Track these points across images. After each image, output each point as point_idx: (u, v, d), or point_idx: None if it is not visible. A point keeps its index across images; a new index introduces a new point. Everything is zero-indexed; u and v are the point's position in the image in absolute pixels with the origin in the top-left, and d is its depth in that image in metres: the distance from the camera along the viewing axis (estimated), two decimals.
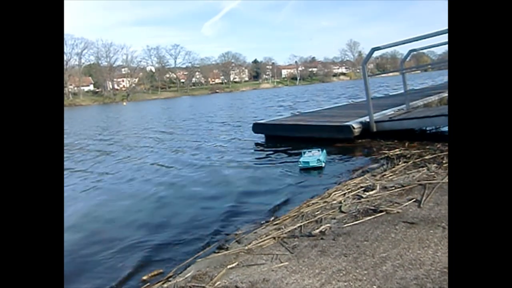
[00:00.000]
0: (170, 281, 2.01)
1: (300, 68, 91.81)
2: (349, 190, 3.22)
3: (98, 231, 3.24)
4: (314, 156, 4.68)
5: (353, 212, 2.62)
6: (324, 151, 5.00)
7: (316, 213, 2.75)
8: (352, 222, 2.43)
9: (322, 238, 2.24)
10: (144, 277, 2.23)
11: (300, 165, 4.64)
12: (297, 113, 9.87)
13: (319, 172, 4.48)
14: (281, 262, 1.99)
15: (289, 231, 2.44)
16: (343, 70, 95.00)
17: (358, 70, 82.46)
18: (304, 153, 4.89)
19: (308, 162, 4.60)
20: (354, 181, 3.54)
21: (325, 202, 3.03)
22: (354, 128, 5.88)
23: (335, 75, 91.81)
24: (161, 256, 2.54)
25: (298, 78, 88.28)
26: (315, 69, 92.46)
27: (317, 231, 2.35)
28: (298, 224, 2.55)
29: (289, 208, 3.12)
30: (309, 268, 1.88)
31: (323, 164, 4.59)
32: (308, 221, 2.58)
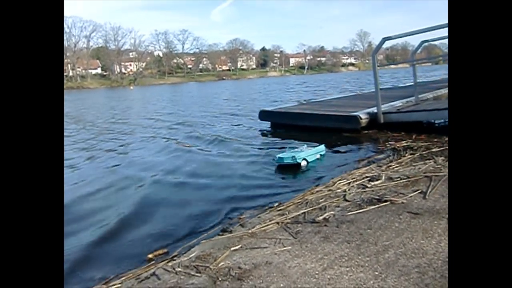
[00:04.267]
0: (174, 260, 2.05)
1: (308, 57, 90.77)
2: (354, 180, 3.22)
3: None
4: (292, 153, 4.34)
5: (357, 201, 2.63)
6: (321, 146, 4.69)
7: (320, 200, 2.77)
8: (356, 210, 2.44)
9: (325, 225, 2.26)
10: (150, 255, 2.27)
11: (275, 162, 4.36)
12: (304, 102, 9.81)
13: (299, 171, 4.09)
14: (284, 246, 2.01)
15: (292, 217, 2.46)
16: (352, 60, 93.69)
17: (367, 61, 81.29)
18: (292, 148, 4.61)
19: (282, 159, 4.28)
20: (360, 171, 3.54)
21: (329, 190, 3.04)
22: (361, 118, 5.84)
23: (343, 65, 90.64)
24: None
25: (306, 67, 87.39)
26: (323, 59, 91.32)
27: (321, 218, 2.37)
28: (302, 211, 2.56)
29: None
30: (312, 253, 1.90)
31: (302, 162, 4.22)
32: (312, 208, 2.60)
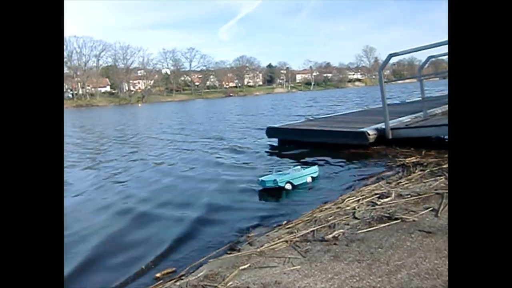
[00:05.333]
0: (182, 279, 2.02)
1: (314, 73, 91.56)
2: (363, 197, 3.18)
3: None
4: (276, 175, 4.13)
5: (367, 219, 2.59)
6: (314, 167, 4.41)
7: (329, 218, 2.73)
8: (366, 228, 2.40)
9: (335, 243, 2.22)
10: (157, 275, 2.25)
11: (258, 185, 4.12)
12: (311, 118, 9.83)
13: (281, 196, 3.83)
14: (293, 266, 1.97)
15: (301, 235, 2.43)
16: (358, 76, 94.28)
17: (373, 76, 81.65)
18: (280, 170, 4.35)
19: (264, 182, 4.03)
20: (369, 188, 3.50)
21: (338, 207, 3.00)
22: (369, 134, 5.81)
23: (350, 81, 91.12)
24: None
25: (312, 83, 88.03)
26: (329, 75, 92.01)
27: (330, 236, 2.33)
28: (311, 229, 2.53)
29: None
30: (322, 272, 1.86)
31: (286, 185, 3.97)
32: (321, 226, 2.56)
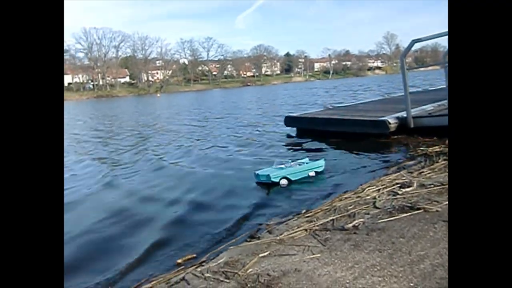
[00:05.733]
0: (203, 265, 2.06)
1: (333, 62, 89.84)
2: (383, 186, 3.13)
3: None
4: (273, 169, 4.04)
5: (388, 208, 2.55)
6: (319, 162, 4.23)
7: (349, 207, 2.70)
8: (387, 218, 2.36)
9: (355, 233, 2.20)
10: (179, 260, 2.30)
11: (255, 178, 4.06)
12: (330, 107, 9.69)
13: (273, 189, 3.77)
14: (313, 254, 1.98)
15: (321, 224, 2.42)
16: (378, 64, 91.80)
17: (394, 64, 79.36)
18: (282, 163, 4.18)
19: (258, 176, 3.99)
20: (390, 177, 3.44)
21: (358, 197, 2.97)
22: (390, 123, 5.69)
23: (369, 69, 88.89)
24: None
25: (331, 72, 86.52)
26: (349, 63, 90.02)
27: (350, 225, 2.31)
28: (331, 218, 2.52)
29: None
30: (342, 261, 1.86)
31: (282, 181, 3.86)
32: (340, 215, 2.55)
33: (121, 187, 4.54)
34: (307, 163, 4.24)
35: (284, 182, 3.88)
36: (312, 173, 4.10)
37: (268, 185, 3.88)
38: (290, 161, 4.27)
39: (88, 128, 13.93)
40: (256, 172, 4.07)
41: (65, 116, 21.00)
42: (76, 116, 21.13)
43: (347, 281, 1.65)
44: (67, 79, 62.48)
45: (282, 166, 4.12)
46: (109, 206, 3.75)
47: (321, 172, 4.19)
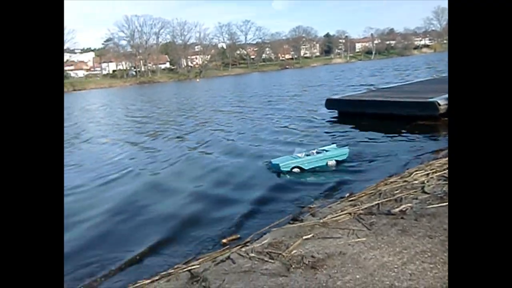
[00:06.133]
0: (247, 246, 2.11)
1: (376, 41, 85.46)
2: (433, 171, 2.98)
3: None
4: (287, 157, 4.08)
5: (438, 193, 2.43)
6: (342, 150, 4.15)
7: (395, 192, 2.61)
8: (438, 203, 2.26)
9: (402, 218, 2.13)
10: (224, 240, 2.38)
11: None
12: (373, 89, 9.30)
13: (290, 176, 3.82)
14: (358, 238, 1.94)
15: (365, 208, 2.37)
16: (426, 42, 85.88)
17: (444, 41, 73.77)
18: (300, 151, 4.17)
19: (272, 164, 4.09)
20: (439, 162, 3.26)
21: (405, 181, 2.86)
22: (439, 104, 5.36)
23: (416, 47, 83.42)
24: None
25: (373, 52, 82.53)
26: (393, 42, 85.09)
27: (397, 210, 2.24)
28: (376, 202, 2.45)
29: None
30: (389, 246, 1.81)
31: (295, 170, 3.91)
32: (386, 199, 2.47)
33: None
34: (327, 151, 4.18)
35: (296, 171, 3.96)
36: (331, 162, 4.05)
37: (279, 173, 3.99)
38: (313, 149, 4.26)
39: (148, 111, 14.37)
40: (272, 160, 4.19)
41: (117, 102, 22.01)
42: (130, 102, 21.56)
43: (395, 266, 1.61)
44: (112, 66, 65.32)
45: (299, 155, 4.12)
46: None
47: (344, 160, 4.11)
